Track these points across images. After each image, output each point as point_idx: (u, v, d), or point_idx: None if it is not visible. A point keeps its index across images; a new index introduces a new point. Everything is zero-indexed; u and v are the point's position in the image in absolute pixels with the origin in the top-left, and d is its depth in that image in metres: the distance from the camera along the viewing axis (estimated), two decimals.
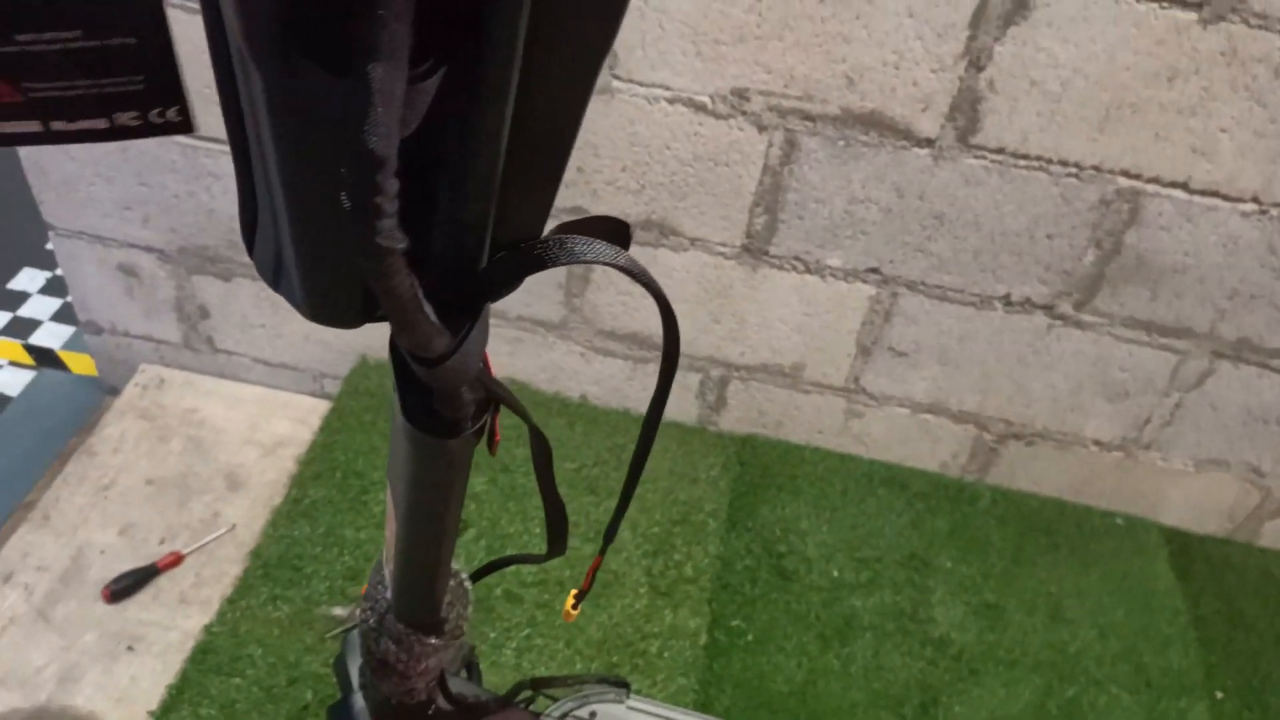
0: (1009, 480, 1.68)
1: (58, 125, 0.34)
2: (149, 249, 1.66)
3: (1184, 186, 1.26)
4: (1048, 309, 1.43)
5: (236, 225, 1.45)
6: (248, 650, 1.34)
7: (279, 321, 1.73)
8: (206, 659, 1.33)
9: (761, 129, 1.30)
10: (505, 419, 0.56)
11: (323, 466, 1.59)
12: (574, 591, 0.81)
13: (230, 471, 1.68)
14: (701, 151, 1.34)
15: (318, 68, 0.31)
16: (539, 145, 0.41)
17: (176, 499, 1.62)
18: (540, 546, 1.50)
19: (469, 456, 0.55)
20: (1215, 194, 1.26)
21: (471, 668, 1.08)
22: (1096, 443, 1.59)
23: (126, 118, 0.35)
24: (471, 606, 0.77)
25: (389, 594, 0.72)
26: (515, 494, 1.56)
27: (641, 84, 1.28)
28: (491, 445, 0.55)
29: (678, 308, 1.64)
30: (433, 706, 0.86)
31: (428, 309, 0.40)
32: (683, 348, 1.61)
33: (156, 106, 0.35)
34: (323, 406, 1.79)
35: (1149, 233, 1.32)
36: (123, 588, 1.45)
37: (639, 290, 1.54)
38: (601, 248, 0.44)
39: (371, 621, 0.76)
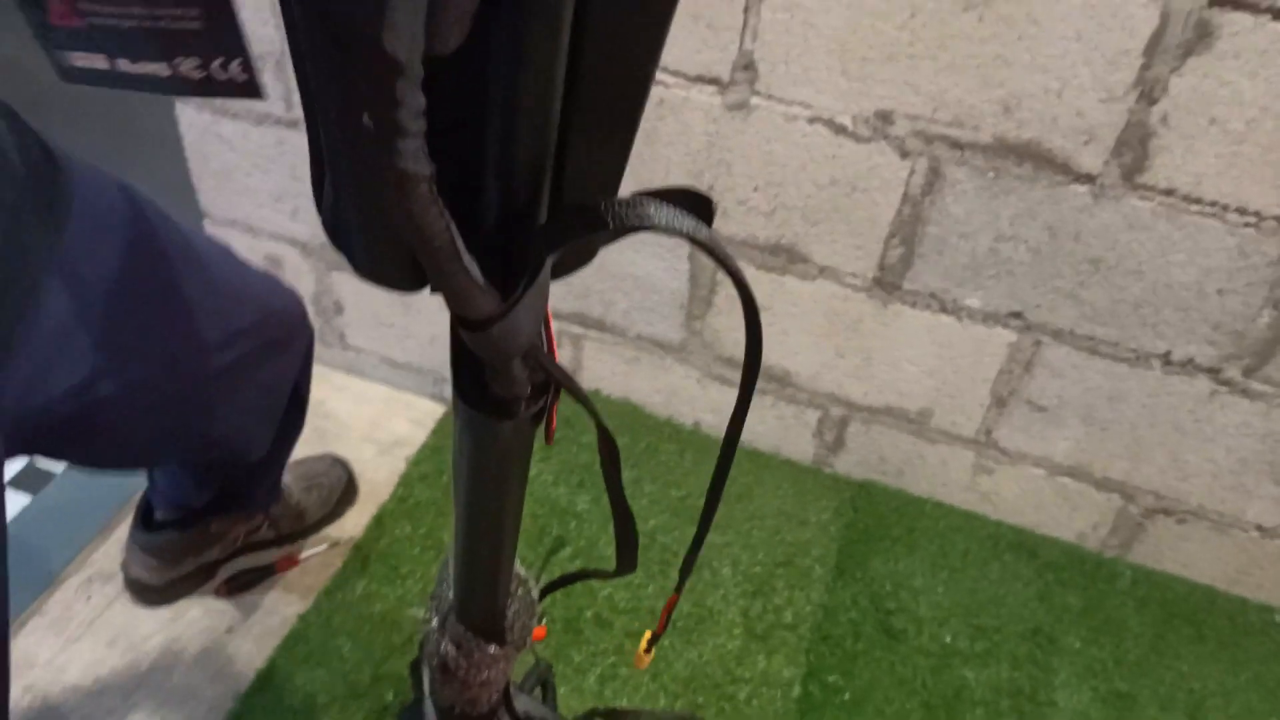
0: (1155, 560, 1.53)
1: (122, 64, 0.33)
2: (295, 241, 1.71)
3: None
4: (1213, 373, 1.29)
5: None
6: (337, 642, 1.34)
7: (409, 322, 1.76)
8: (296, 647, 1.34)
9: (905, 155, 1.23)
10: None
11: (430, 468, 1.59)
12: (647, 634, 0.76)
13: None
14: (839, 176, 1.27)
15: None
16: (607, 91, 0.37)
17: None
18: (647, 574, 1.44)
19: (525, 444, 0.52)
20: None
21: (547, 687, 1.04)
22: (1259, 528, 1.43)
23: (189, 66, 0.33)
24: (537, 619, 0.73)
25: (451, 595, 0.69)
26: None
27: (781, 100, 1.23)
28: (548, 434, 0.51)
29: (801, 339, 1.57)
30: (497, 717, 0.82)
31: (469, 261, 0.36)
32: (802, 382, 1.54)
33: (218, 55, 0.33)
34: (439, 410, 1.81)
35: None
36: (238, 585, 1.47)
37: (765, 319, 1.48)
38: (680, 217, 0.40)
39: (434, 622, 0.73)
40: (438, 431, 1.66)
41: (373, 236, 0.40)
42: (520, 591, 0.70)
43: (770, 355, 1.53)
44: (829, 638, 1.40)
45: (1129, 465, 1.44)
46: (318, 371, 1.87)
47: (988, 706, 1.35)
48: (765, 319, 1.49)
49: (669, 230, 0.39)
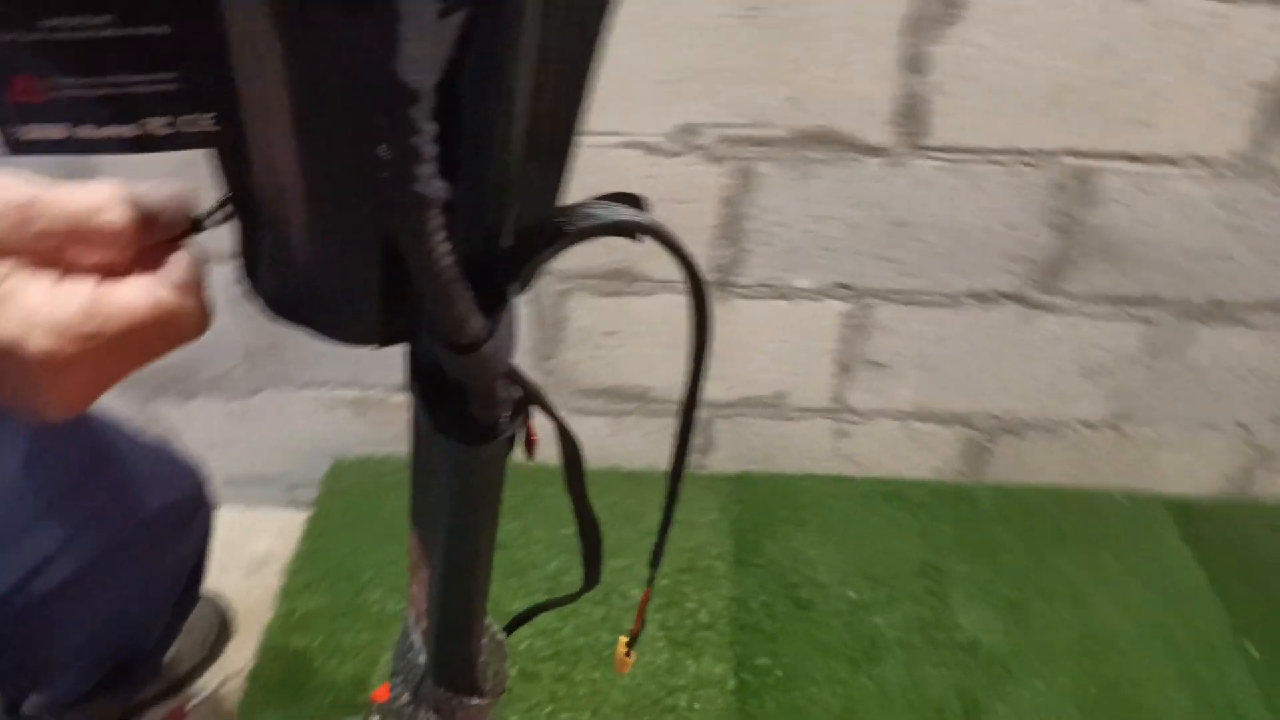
0: (1006, 476, 1.68)
1: (84, 131, 0.31)
2: None
3: (1131, 158, 1.29)
4: (1018, 298, 1.44)
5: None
6: None
7: (245, 434, 1.67)
8: None
9: (714, 161, 1.31)
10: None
11: (312, 575, 1.52)
12: (623, 639, 0.77)
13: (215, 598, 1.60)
14: (660, 191, 1.33)
15: (346, 15, 0.29)
16: (552, 113, 0.39)
17: None
18: (561, 618, 1.42)
19: (504, 467, 0.53)
20: (1163, 160, 1.29)
21: None
22: (1085, 424, 1.60)
23: (157, 125, 0.32)
24: (509, 660, 0.73)
25: (422, 659, 0.68)
26: (514, 568, 1.51)
27: (592, 132, 1.27)
28: (530, 447, 0.52)
29: (652, 353, 1.62)
30: None
31: (463, 284, 0.38)
32: (661, 395, 1.59)
33: (190, 111, 0.32)
34: (300, 516, 1.72)
35: (1104, 209, 1.34)
36: None
37: (612, 342, 1.52)
38: (621, 210, 0.43)
39: (405, 698, 0.71)
40: (309, 536, 1.59)
41: (342, 292, 0.41)
42: (485, 639, 0.70)
43: (624, 377, 1.57)
44: (746, 626, 1.45)
45: (966, 398, 1.58)
46: None
47: (902, 644, 1.44)
48: (613, 342, 1.53)
49: (624, 224, 0.42)
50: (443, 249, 0.36)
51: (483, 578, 0.62)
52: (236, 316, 1.49)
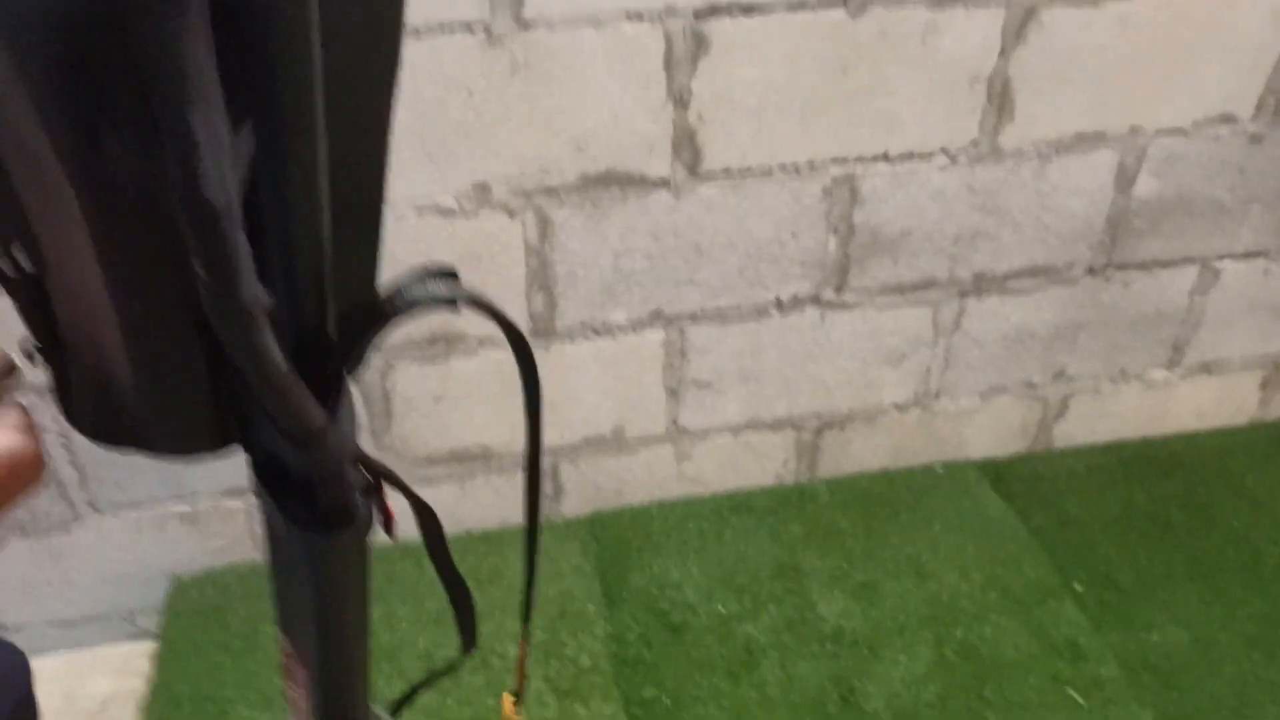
0: (837, 468, 1.78)
1: None
2: None
3: (885, 158, 1.43)
4: (815, 300, 1.55)
5: None
6: None
7: (66, 572, 1.56)
8: None
9: (512, 214, 1.35)
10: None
11: (168, 705, 1.43)
12: (506, 695, 0.78)
13: None
14: (463, 251, 1.36)
15: (131, 132, 0.31)
16: (354, 200, 0.42)
17: None
18: (441, 692, 1.40)
19: (368, 547, 0.53)
20: (912, 157, 1.43)
21: None
22: (896, 406, 1.73)
23: None
24: None
25: None
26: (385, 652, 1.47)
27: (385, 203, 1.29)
28: (388, 527, 0.53)
29: (485, 410, 1.63)
30: None
31: (298, 380, 0.39)
32: (501, 449, 1.61)
33: None
34: (143, 648, 1.62)
35: (872, 207, 1.47)
36: None
37: (443, 407, 1.53)
38: (439, 285, 0.45)
39: None
40: (160, 664, 1.50)
41: (169, 406, 0.41)
42: None
43: (461, 437, 1.58)
44: (627, 660, 1.47)
45: (787, 401, 1.67)
46: None
47: (776, 647, 1.49)
48: (445, 407, 1.54)
49: (437, 301, 0.45)
50: (273, 350, 0.38)
51: (362, 667, 0.62)
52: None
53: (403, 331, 1.44)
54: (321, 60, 0.35)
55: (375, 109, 0.42)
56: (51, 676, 1.61)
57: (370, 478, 0.50)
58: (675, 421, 1.65)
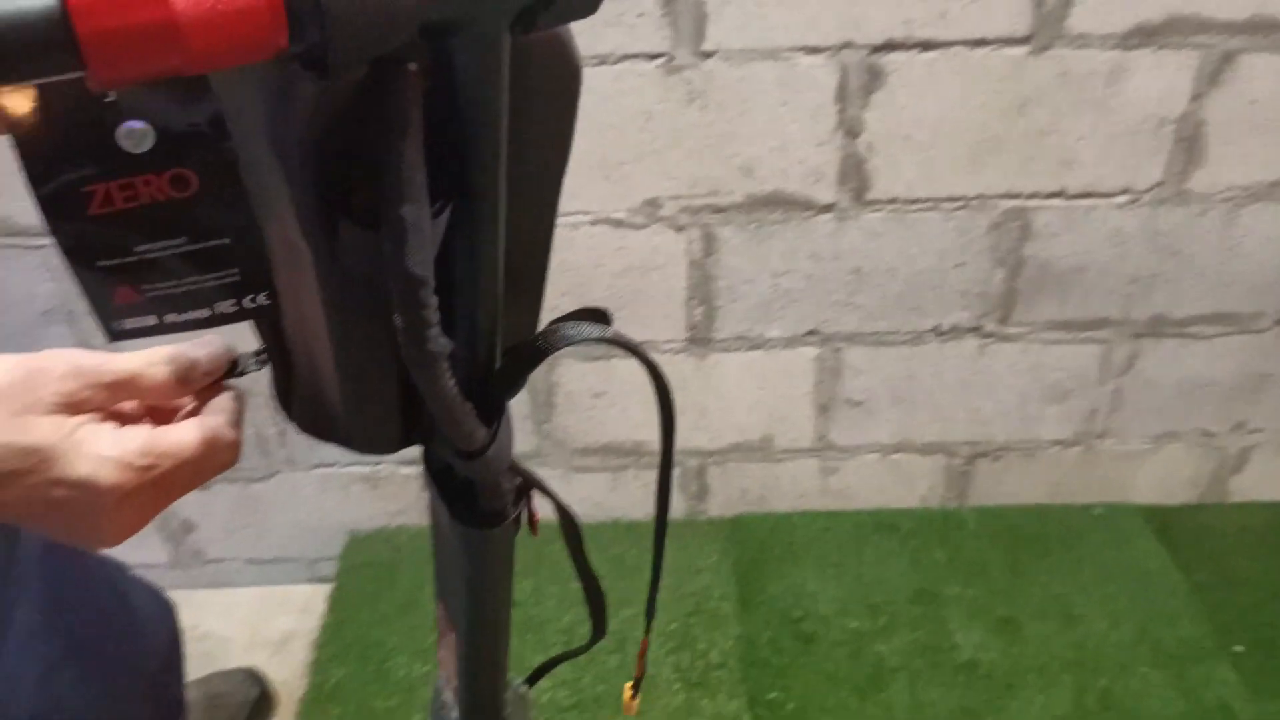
0: (987, 498, 1.76)
1: (169, 318, 0.41)
2: None
3: (1061, 195, 1.40)
4: (976, 330, 1.54)
5: None
6: None
7: (262, 517, 1.77)
8: None
9: (678, 229, 1.42)
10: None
11: (338, 647, 1.60)
12: (628, 685, 0.86)
13: None
14: (631, 262, 1.44)
15: (360, 226, 0.40)
16: (524, 263, 0.50)
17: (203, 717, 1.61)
18: (578, 668, 1.52)
19: (512, 546, 0.62)
20: (1090, 195, 1.40)
21: None
22: (1056, 443, 1.69)
23: (225, 305, 0.42)
24: (533, 711, 0.81)
25: (454, 715, 0.77)
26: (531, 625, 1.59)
27: (563, 214, 1.38)
28: (533, 526, 0.62)
29: (641, 409, 1.72)
30: None
31: (468, 407, 0.48)
32: (654, 449, 1.69)
33: (249, 294, 0.42)
34: (322, 590, 1.81)
35: (1043, 242, 1.44)
36: None
37: (604, 402, 1.62)
38: (588, 328, 0.53)
39: None
40: (333, 609, 1.67)
41: (366, 419, 0.51)
42: (509, 694, 0.79)
43: (617, 434, 1.67)
44: (756, 662, 1.53)
45: (940, 426, 1.67)
46: (183, 595, 1.84)
47: (906, 669, 1.51)
48: (603, 403, 1.63)
49: (585, 340, 0.52)
50: (449, 384, 0.46)
51: (503, 639, 0.71)
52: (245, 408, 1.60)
53: None
54: (508, 154, 0.43)
55: (548, 189, 0.51)
56: (243, 608, 1.83)
57: (522, 485, 0.59)
58: (824, 436, 1.68)
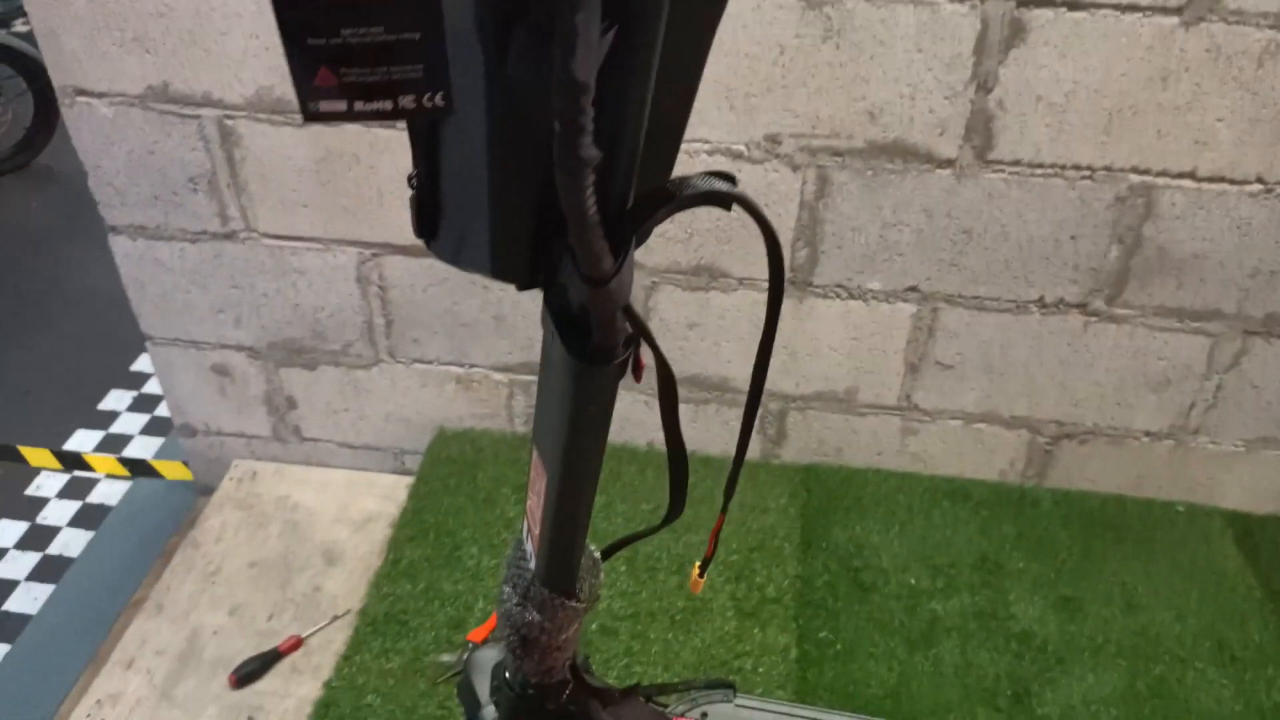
0: (1067, 481, 1.75)
1: (358, 105, 0.46)
2: (240, 348, 1.80)
3: (1192, 176, 1.37)
4: (1081, 307, 1.52)
5: (320, 315, 1.60)
6: (366, 700, 1.42)
7: (361, 405, 1.86)
8: (329, 712, 1.41)
9: (795, 169, 1.43)
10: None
11: (416, 530, 1.69)
12: (697, 563, 0.90)
13: (326, 549, 1.78)
14: None
15: (535, 34, 0.44)
16: (668, 110, 0.53)
17: (279, 578, 1.72)
18: (638, 581, 1.56)
19: (615, 388, 0.66)
20: (1222, 179, 1.37)
21: (586, 670, 1.15)
22: (1147, 434, 1.66)
23: (407, 100, 0.47)
24: (602, 577, 0.86)
25: (532, 565, 0.82)
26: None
27: (686, 140, 1.41)
28: (637, 372, 0.65)
29: (731, 346, 1.76)
30: (568, 687, 0.94)
31: (601, 230, 0.52)
32: (739, 386, 1.72)
33: (428, 91, 0.47)
34: (404, 482, 1.90)
35: (1166, 224, 1.42)
36: (248, 673, 1.53)
37: (695, 334, 1.65)
38: (718, 182, 0.56)
39: (515, 601, 0.85)
40: (414, 495, 1.76)
41: (507, 245, 0.55)
42: (584, 557, 0.83)
43: (706, 367, 1.70)
44: (811, 602, 1.56)
45: (1029, 401, 1.66)
46: (275, 470, 1.95)
47: (959, 630, 1.52)
48: (696, 334, 1.66)
49: (716, 194, 0.55)
50: (591, 200, 0.50)
51: (591, 485, 0.75)
52: (360, 296, 1.68)
53: (671, 256, 1.57)
54: None
55: (701, 38, 0.54)
56: (332, 487, 1.93)
57: (633, 332, 0.63)
58: (909, 396, 1.69)
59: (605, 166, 0.50)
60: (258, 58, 1.44)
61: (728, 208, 0.59)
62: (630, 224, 0.56)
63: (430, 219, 0.60)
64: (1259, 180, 1.36)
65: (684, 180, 0.57)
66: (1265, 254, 1.42)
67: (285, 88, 1.47)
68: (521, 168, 0.53)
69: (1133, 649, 1.51)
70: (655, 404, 1.75)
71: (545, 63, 0.45)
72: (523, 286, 0.61)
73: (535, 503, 0.78)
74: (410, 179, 0.59)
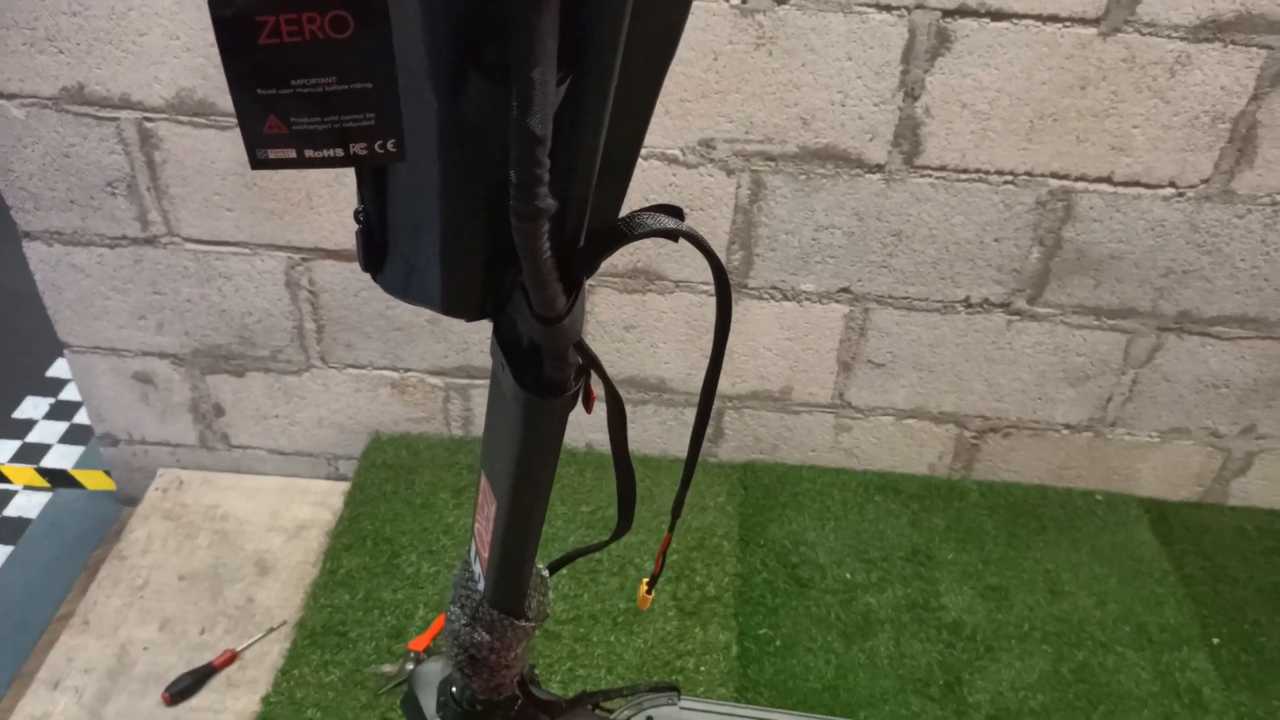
0: (993, 473, 1.81)
1: (308, 153, 0.45)
2: (163, 355, 1.75)
3: (1109, 180, 1.42)
4: (1005, 306, 1.57)
5: (248, 321, 1.57)
6: (306, 714, 1.40)
7: (292, 410, 1.82)
8: None
9: (729, 173, 1.45)
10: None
11: (353, 538, 1.66)
12: (644, 581, 0.91)
13: (259, 559, 1.75)
14: (679, 200, 1.47)
15: (490, 83, 0.44)
16: (618, 151, 0.54)
17: (210, 590, 1.69)
18: (579, 584, 1.57)
19: (567, 418, 0.66)
20: (1137, 184, 1.42)
21: (533, 681, 1.16)
22: (1067, 426, 1.73)
23: (358, 147, 0.46)
24: (550, 594, 0.86)
25: (480, 585, 0.82)
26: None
27: None
28: (588, 404, 0.66)
29: (668, 348, 1.77)
30: (517, 703, 0.94)
31: (555, 273, 0.52)
32: (676, 386, 1.73)
33: (379, 139, 0.47)
34: (338, 488, 1.87)
35: (1084, 226, 1.47)
36: (182, 689, 1.50)
37: (632, 336, 1.66)
38: (666, 219, 0.57)
39: (463, 622, 0.84)
40: (350, 503, 1.74)
41: (459, 281, 0.55)
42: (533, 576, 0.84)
43: (642, 368, 1.71)
44: (750, 599, 1.58)
45: (956, 397, 1.71)
46: (202, 478, 1.91)
47: (893, 622, 1.56)
48: (633, 336, 1.67)
49: (661, 231, 0.56)
50: (545, 246, 0.51)
51: (539, 513, 0.76)
52: (289, 301, 1.65)
53: (608, 260, 1.57)
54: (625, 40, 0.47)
55: (651, 83, 0.55)
56: (263, 494, 1.89)
57: (582, 364, 0.63)
58: (842, 394, 1.72)
59: (558, 211, 0.51)
60: (178, 58, 1.40)
61: (675, 240, 0.59)
62: (583, 263, 0.57)
63: (377, 254, 0.60)
64: (1171, 184, 1.42)
65: (633, 218, 0.58)
66: (1178, 254, 1.49)
67: (207, 89, 1.43)
68: (473, 208, 0.53)
69: (1057, 635, 1.57)
70: (599, 406, 1.76)
71: (499, 107, 0.45)
72: (471, 319, 0.61)
73: (484, 526, 0.78)
74: (356, 214, 0.58)
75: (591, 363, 0.63)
